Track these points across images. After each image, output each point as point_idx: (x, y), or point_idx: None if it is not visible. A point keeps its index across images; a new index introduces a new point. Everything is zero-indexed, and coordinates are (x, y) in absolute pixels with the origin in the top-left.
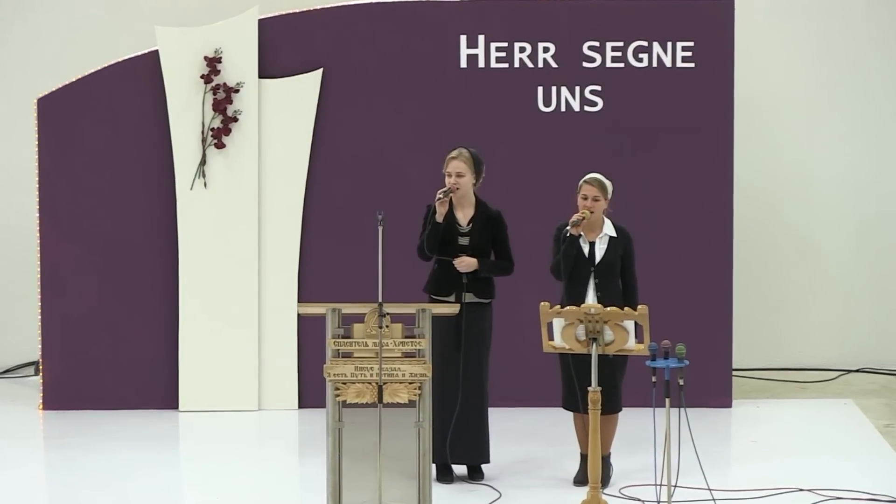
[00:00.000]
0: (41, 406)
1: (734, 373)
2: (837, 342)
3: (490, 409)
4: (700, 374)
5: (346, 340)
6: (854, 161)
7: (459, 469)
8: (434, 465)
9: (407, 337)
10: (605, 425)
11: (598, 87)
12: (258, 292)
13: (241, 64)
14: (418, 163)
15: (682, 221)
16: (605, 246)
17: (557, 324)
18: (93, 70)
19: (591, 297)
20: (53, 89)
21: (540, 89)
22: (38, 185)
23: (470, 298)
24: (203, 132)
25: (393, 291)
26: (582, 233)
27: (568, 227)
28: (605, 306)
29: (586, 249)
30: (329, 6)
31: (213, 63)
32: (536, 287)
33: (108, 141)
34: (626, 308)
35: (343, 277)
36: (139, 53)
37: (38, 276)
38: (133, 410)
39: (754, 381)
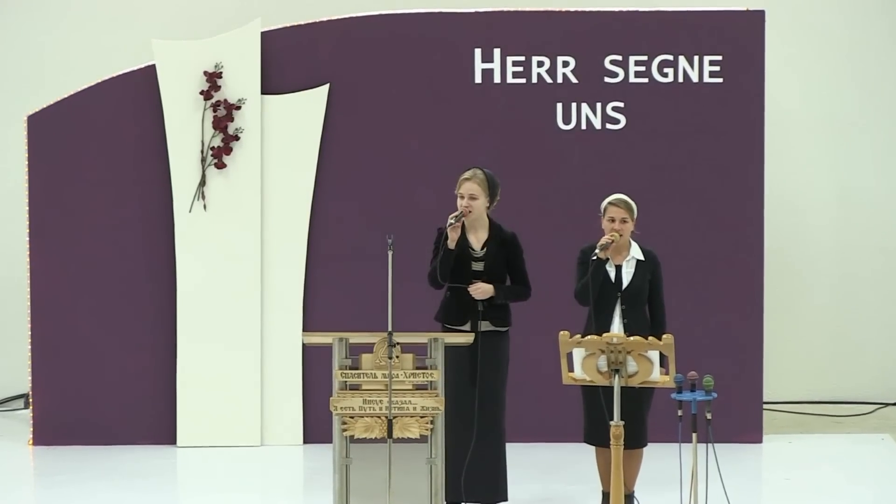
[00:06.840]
0: (31, 441)
1: (765, 406)
2: (873, 374)
3: (507, 445)
4: (729, 407)
5: (353, 372)
6: (892, 181)
7: None
8: None
9: (418, 368)
10: (629, 461)
11: (621, 104)
12: (261, 320)
13: (243, 79)
14: (430, 183)
15: (710, 245)
16: (633, 270)
17: (578, 354)
18: (86, 86)
19: (616, 324)
20: (45, 106)
21: (559, 106)
22: (27, 208)
23: (486, 327)
24: (202, 151)
25: (404, 320)
26: (609, 256)
27: (596, 251)
28: (631, 334)
29: (612, 273)
30: (335, 18)
31: (214, 78)
32: (554, 314)
33: (103, 160)
34: (650, 337)
35: (351, 305)
36: (135, 68)
37: (28, 303)
38: (128, 446)
39: (786, 415)
